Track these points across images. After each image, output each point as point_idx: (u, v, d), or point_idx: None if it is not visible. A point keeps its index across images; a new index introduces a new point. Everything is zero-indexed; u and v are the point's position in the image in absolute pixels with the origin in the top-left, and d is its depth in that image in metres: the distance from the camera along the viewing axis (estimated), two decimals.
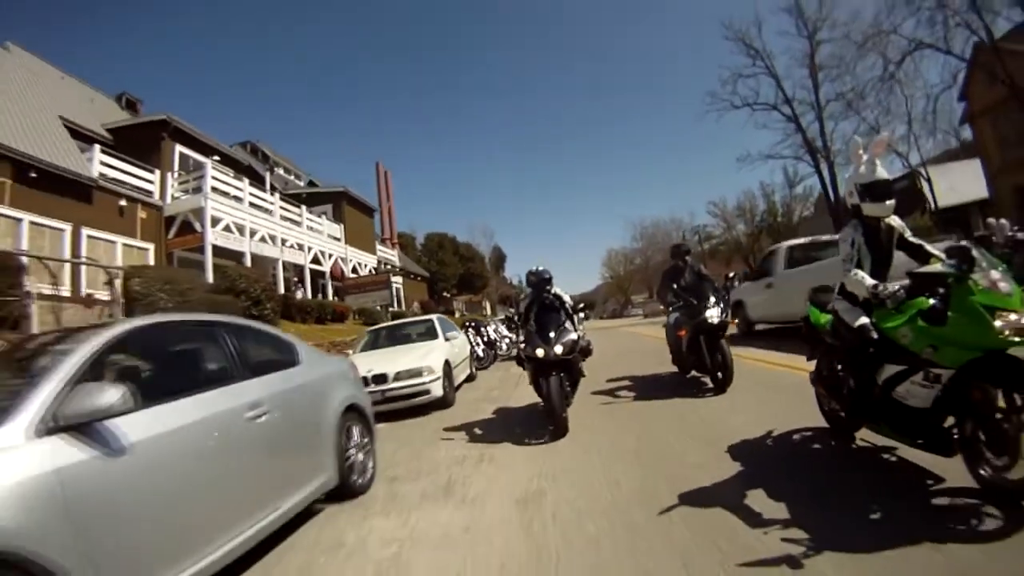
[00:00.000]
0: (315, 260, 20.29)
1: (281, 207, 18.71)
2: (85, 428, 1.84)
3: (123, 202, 14.28)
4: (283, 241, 18.22)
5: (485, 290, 56.01)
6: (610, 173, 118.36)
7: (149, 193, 15.32)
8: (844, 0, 21.14)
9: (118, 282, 6.99)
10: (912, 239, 2.99)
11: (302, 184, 29.51)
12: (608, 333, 18.96)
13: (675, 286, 6.42)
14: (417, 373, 6.60)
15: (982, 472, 2.33)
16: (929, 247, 2.88)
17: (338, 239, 22.88)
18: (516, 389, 7.40)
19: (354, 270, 23.50)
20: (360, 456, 3.69)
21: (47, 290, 7.54)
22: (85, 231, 13.18)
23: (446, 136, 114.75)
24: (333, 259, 21.70)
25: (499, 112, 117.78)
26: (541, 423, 4.95)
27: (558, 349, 4.92)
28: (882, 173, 2.93)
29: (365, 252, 25.77)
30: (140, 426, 2.01)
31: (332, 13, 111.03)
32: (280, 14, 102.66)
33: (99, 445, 1.87)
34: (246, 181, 17.37)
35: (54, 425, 1.80)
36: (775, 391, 5.05)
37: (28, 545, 1.59)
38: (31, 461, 1.70)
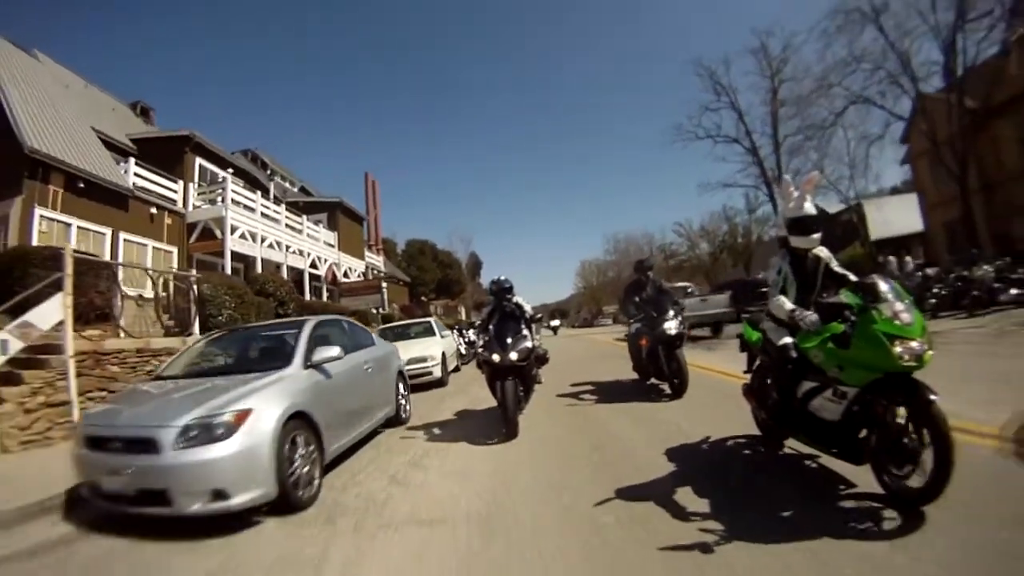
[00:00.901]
0: (312, 265, 22.40)
1: (286, 216, 20.83)
2: (321, 365, 4.29)
3: (153, 210, 16.27)
4: (287, 247, 20.34)
5: (462, 295, 58.25)
6: (588, 187, 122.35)
7: (173, 202, 17.30)
8: (805, 46, 23.52)
9: (195, 287, 9.14)
10: (837, 269, 3.24)
11: (295, 190, 31.50)
12: (578, 339, 21.65)
13: (637, 299, 6.96)
14: (423, 359, 9.04)
15: (886, 479, 2.57)
16: (852, 276, 3.08)
17: (332, 246, 25.01)
18: None
19: (345, 274, 25.62)
20: (403, 402, 6.17)
21: (131, 292, 9.66)
22: (122, 235, 15.15)
23: (430, 140, 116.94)
24: (328, 264, 23.83)
25: (484, 120, 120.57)
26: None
27: (513, 355, 5.27)
28: (809, 209, 3.19)
29: (355, 258, 27.93)
30: (336, 365, 4.46)
31: (324, 16, 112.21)
32: (274, 16, 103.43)
33: (325, 373, 4.32)
34: (259, 193, 19.52)
35: (309, 364, 4.23)
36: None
37: (308, 408, 4.00)
38: (305, 378, 4.13)
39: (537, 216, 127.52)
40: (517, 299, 5.84)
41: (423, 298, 48.20)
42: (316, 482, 3.76)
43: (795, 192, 3.25)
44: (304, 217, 22.43)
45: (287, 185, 31.38)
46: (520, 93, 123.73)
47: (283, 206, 21.31)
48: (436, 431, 5.63)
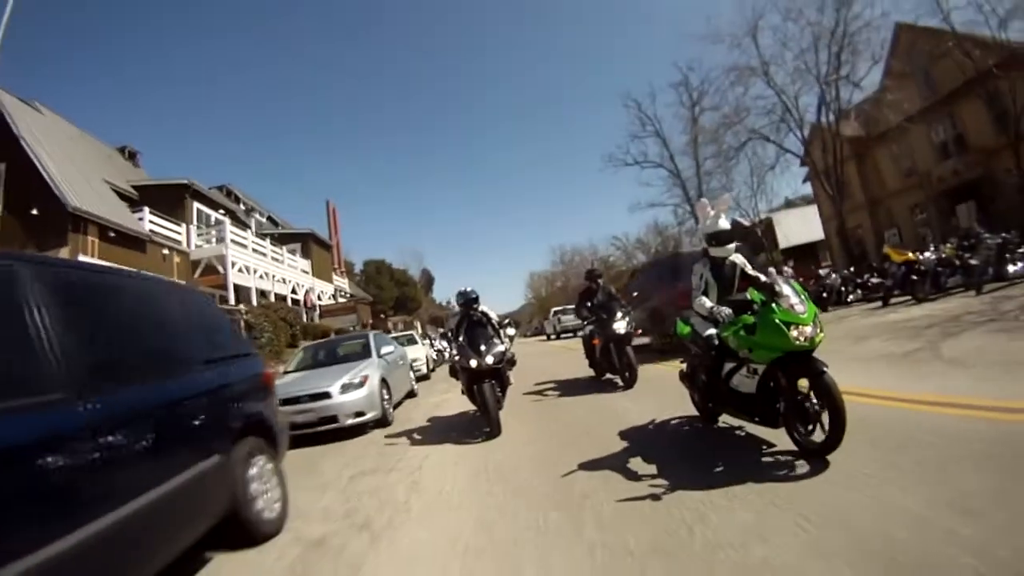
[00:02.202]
0: (293, 291, 25.58)
1: (271, 250, 24.02)
2: (387, 355, 8.24)
3: (165, 251, 19.22)
4: (272, 276, 23.51)
5: (418, 311, 61.42)
6: (533, 200, 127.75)
7: (179, 242, 20.24)
8: (719, 82, 25.48)
9: (243, 317, 12.53)
10: (751, 272, 3.84)
11: (264, 220, 34.30)
12: (533, 346, 25.79)
13: (589, 304, 7.67)
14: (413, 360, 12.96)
15: (796, 436, 3.16)
16: (763, 278, 3.61)
17: (307, 272, 28.20)
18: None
19: (319, 297, 28.81)
20: (415, 384, 10.12)
21: None
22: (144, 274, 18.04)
23: (376, 157, 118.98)
24: (305, 290, 27.02)
25: (430, 139, 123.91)
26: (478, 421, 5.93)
27: (489, 359, 5.57)
28: (724, 224, 3.87)
29: (325, 282, 31.13)
30: (391, 354, 8.44)
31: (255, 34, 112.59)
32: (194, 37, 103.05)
33: (386, 360, 8.27)
34: (251, 232, 22.71)
35: (379, 356, 8.14)
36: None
37: (386, 376, 7.83)
38: (379, 363, 8.01)
39: (484, 230, 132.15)
40: (483, 308, 6.21)
41: (382, 315, 51.23)
42: (392, 412, 7.68)
43: (711, 211, 3.94)
44: (284, 248, 25.62)
45: (258, 216, 34.15)
46: (461, 108, 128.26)
47: (268, 240, 24.46)
48: (439, 396, 9.48)
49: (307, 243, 29.44)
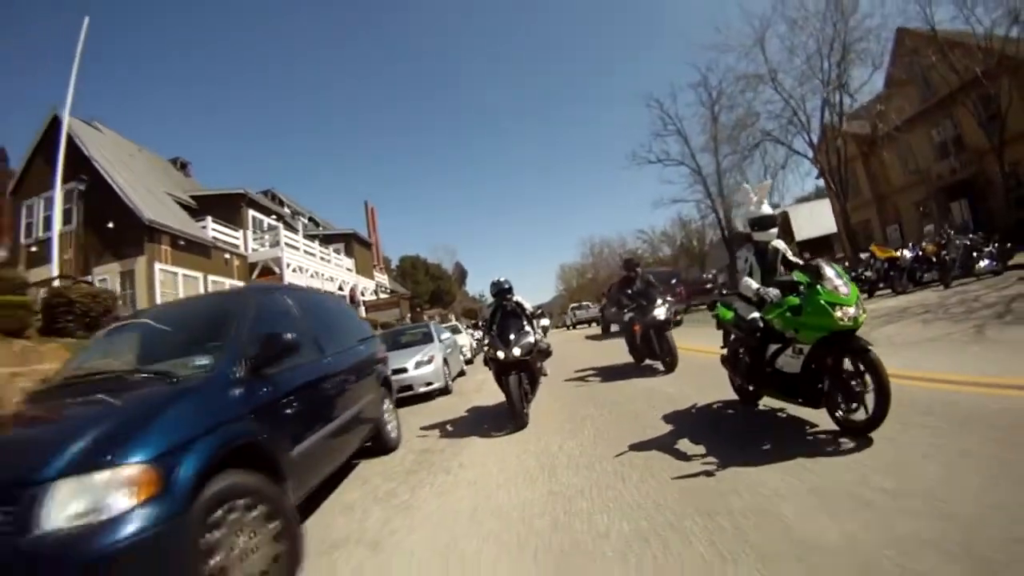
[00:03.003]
0: (339, 288, 27.21)
1: (320, 250, 25.66)
2: (445, 340, 9.51)
3: (227, 255, 20.97)
4: (321, 275, 25.15)
5: (452, 304, 63.01)
6: (561, 193, 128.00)
7: (237, 247, 21.98)
8: (731, 88, 26.64)
9: None
10: (792, 258, 3.95)
11: (306, 221, 36.18)
12: (558, 335, 26.84)
13: (629, 291, 7.83)
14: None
15: (839, 415, 3.25)
16: (802, 263, 3.77)
17: (351, 270, 29.83)
18: None
19: (362, 293, 30.45)
20: (464, 366, 11.34)
21: None
22: (210, 277, 19.83)
23: (411, 157, 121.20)
24: (350, 286, 28.65)
25: (459, 135, 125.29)
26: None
27: (516, 351, 5.52)
28: (767, 210, 3.96)
29: (367, 278, 32.78)
30: (447, 339, 9.69)
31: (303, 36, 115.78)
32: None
33: (446, 344, 9.49)
34: (301, 235, 24.35)
35: (440, 340, 9.38)
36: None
37: (446, 357, 9.11)
38: (441, 346, 9.25)
39: (514, 223, 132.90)
40: (517, 298, 6.13)
41: (418, 309, 52.94)
42: (451, 384, 8.96)
43: (754, 197, 3.97)
44: (330, 248, 27.26)
45: (302, 219, 36.06)
46: (494, 98, 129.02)
47: (316, 242, 26.11)
48: (479, 381, 10.62)
49: (350, 243, 31.04)
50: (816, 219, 31.53)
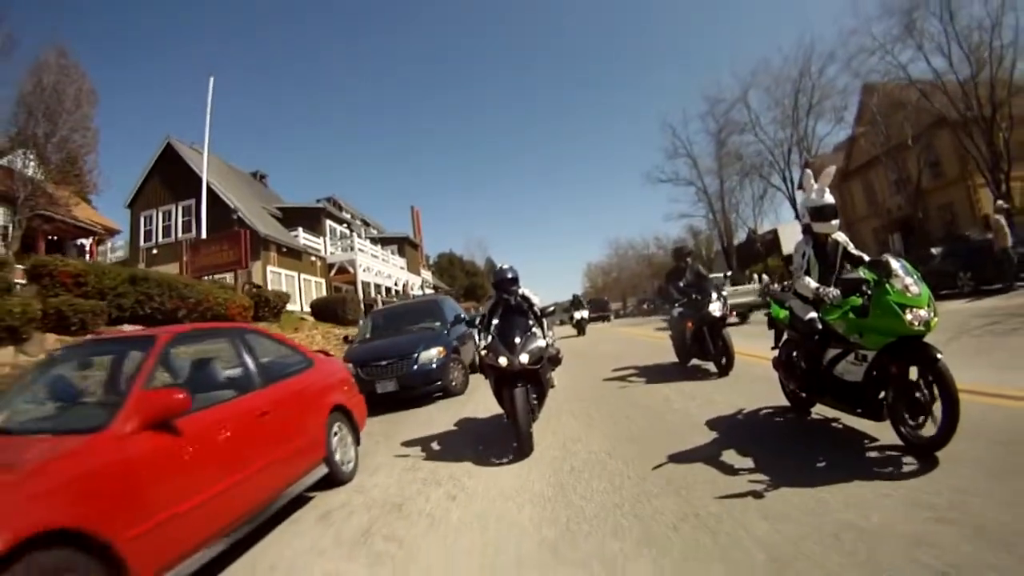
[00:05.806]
0: (395, 283, 32.46)
1: (382, 252, 30.93)
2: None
3: (313, 258, 26.30)
4: (383, 273, 30.40)
5: (484, 299, 67.31)
6: (590, 192, 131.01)
7: (319, 251, 27.29)
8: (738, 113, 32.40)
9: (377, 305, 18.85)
10: (854, 251, 3.61)
11: (360, 223, 41.65)
12: (595, 329, 31.17)
13: (680, 284, 7.22)
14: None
15: (903, 430, 2.93)
16: (866, 257, 3.41)
17: (403, 268, 35.08)
18: None
19: (412, 288, 35.72)
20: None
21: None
22: (302, 276, 25.17)
23: (446, 154, 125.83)
24: (404, 283, 33.90)
25: (496, 133, 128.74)
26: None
27: (523, 358, 4.48)
28: (829, 198, 3.54)
29: (415, 275, 38.05)
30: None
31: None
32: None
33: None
34: (368, 240, 29.64)
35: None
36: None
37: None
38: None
39: (541, 221, 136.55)
40: (523, 291, 5.04)
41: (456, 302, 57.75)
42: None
43: (815, 184, 3.57)
44: (388, 250, 32.52)
45: (362, 223, 41.55)
46: (523, 99, 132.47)
47: (378, 245, 31.39)
48: None
49: (402, 244, 36.33)
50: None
